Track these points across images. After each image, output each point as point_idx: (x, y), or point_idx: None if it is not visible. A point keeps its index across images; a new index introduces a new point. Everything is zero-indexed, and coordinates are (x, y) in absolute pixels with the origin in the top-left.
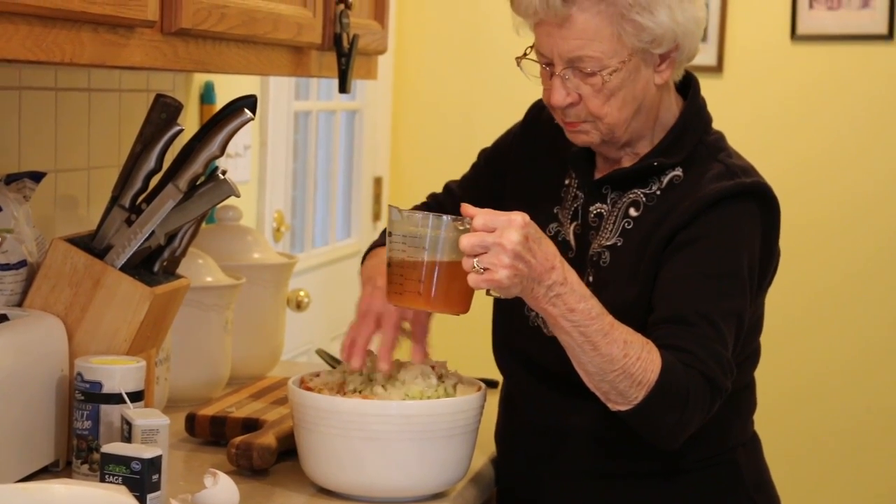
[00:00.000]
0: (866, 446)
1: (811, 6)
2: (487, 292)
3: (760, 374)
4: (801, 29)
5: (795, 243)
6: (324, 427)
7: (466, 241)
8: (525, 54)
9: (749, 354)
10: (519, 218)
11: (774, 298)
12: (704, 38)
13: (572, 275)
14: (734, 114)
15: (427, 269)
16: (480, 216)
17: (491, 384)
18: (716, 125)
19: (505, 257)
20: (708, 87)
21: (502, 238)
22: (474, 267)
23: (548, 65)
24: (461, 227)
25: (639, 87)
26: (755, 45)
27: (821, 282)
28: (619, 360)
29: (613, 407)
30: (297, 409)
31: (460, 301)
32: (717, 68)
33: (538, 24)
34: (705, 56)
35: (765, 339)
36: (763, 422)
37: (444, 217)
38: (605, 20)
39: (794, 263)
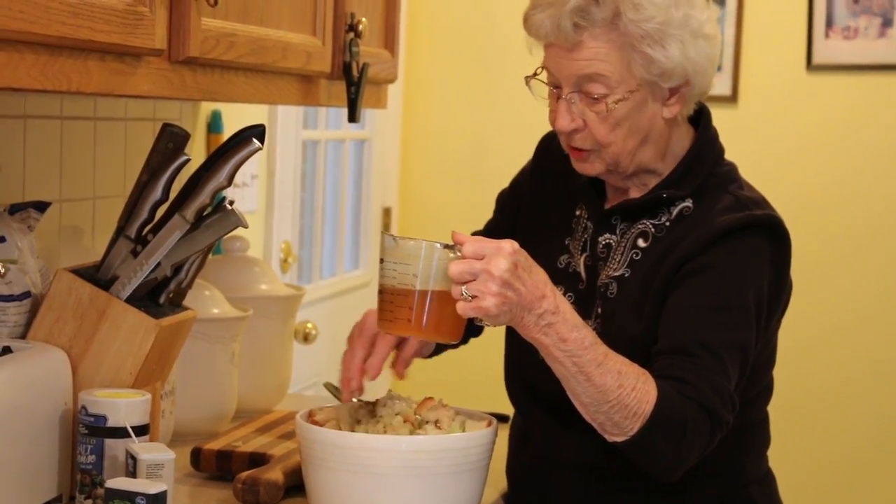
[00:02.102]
0: (884, 482)
1: (827, 35)
2: (477, 321)
3: (774, 407)
4: (818, 59)
5: (810, 275)
6: (332, 462)
7: (455, 268)
8: (535, 73)
9: (762, 389)
10: (508, 245)
11: (787, 331)
12: (719, 68)
13: (564, 304)
14: (749, 145)
15: (418, 296)
16: (470, 243)
17: (502, 419)
18: (730, 156)
19: (493, 285)
20: (722, 118)
21: (490, 265)
22: (462, 294)
23: (555, 87)
24: (452, 255)
25: (645, 119)
26: (770, 75)
27: (835, 313)
28: (613, 391)
29: (609, 438)
30: (305, 444)
31: (452, 329)
32: (732, 98)
33: (548, 46)
34: (720, 86)
35: (778, 372)
36: (778, 457)
37: (436, 244)
38: (616, 48)
39: (808, 295)
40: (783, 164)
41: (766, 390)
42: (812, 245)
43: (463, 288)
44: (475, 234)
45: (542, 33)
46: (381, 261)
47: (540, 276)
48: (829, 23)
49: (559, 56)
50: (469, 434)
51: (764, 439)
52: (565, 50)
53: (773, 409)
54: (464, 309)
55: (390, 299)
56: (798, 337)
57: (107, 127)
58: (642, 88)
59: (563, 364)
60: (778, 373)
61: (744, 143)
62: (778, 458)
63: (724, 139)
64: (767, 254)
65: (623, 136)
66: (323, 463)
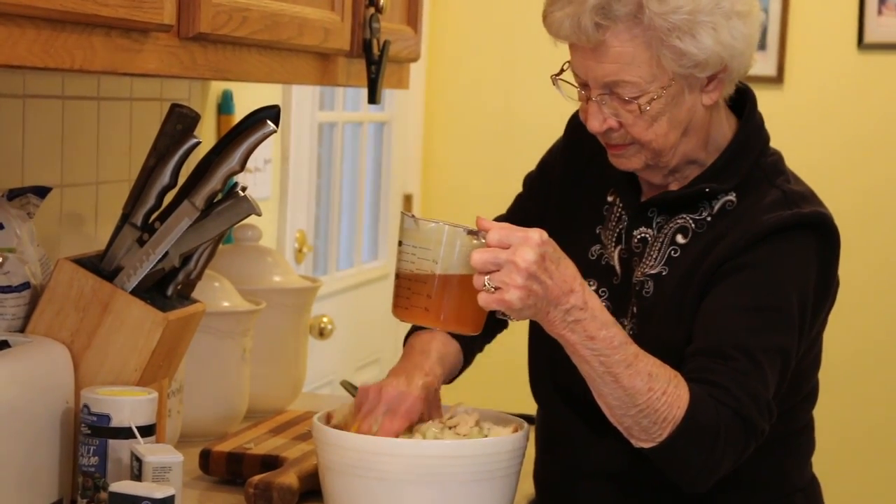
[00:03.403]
0: None
1: (880, 12)
2: (499, 314)
3: (819, 412)
4: (869, 37)
5: (861, 271)
6: (349, 468)
7: (478, 256)
8: (562, 70)
9: (807, 394)
10: (536, 235)
11: (836, 332)
12: (763, 47)
13: (594, 300)
14: (795, 129)
15: (438, 283)
16: (496, 231)
17: (532, 420)
18: (775, 141)
19: (518, 276)
20: (767, 100)
21: (516, 256)
22: (485, 285)
23: (583, 87)
24: (476, 242)
25: (684, 110)
26: (819, 53)
27: (888, 314)
28: (642, 395)
29: (636, 444)
30: (324, 449)
31: (471, 320)
32: (778, 79)
33: (572, 45)
34: (764, 66)
35: (823, 376)
36: (823, 464)
37: (460, 229)
38: (642, 45)
39: (860, 293)
40: (831, 150)
41: (811, 394)
42: (864, 239)
43: (486, 278)
44: (500, 218)
45: (563, 33)
46: (400, 243)
47: (569, 269)
48: None
49: (584, 58)
50: (489, 440)
51: (808, 446)
52: (589, 51)
53: (819, 414)
54: (486, 301)
55: (407, 285)
56: (849, 341)
57: (111, 107)
58: (676, 82)
59: (589, 363)
60: (827, 378)
61: (790, 127)
62: (824, 464)
63: (768, 123)
64: (815, 254)
65: (664, 130)
66: (341, 468)
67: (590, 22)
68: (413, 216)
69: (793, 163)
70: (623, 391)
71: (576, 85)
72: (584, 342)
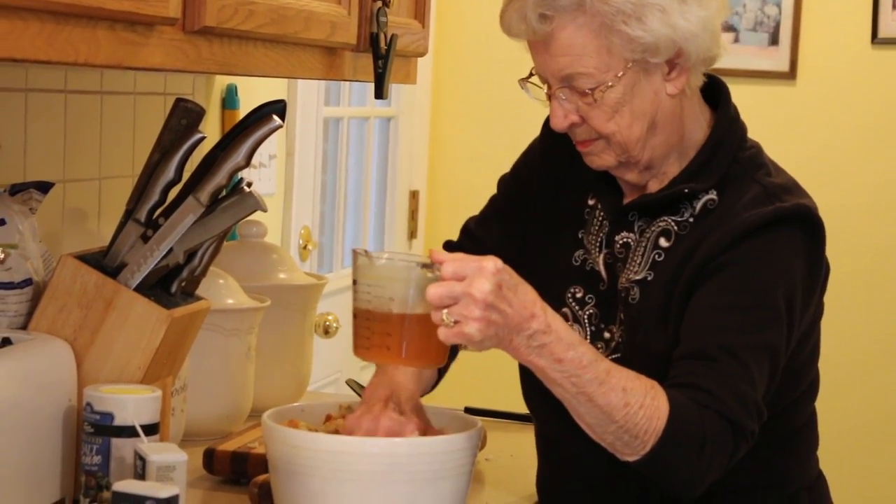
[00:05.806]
0: None
1: (895, 7)
2: (461, 347)
3: (823, 405)
4: (884, 31)
5: (873, 264)
6: (301, 467)
7: (433, 291)
8: (531, 74)
9: (806, 387)
10: (490, 264)
11: (847, 323)
12: (776, 42)
13: (557, 321)
14: (808, 125)
15: (396, 321)
16: (449, 263)
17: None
18: (787, 137)
19: (475, 308)
20: (779, 96)
21: (471, 287)
22: (443, 320)
23: (546, 85)
24: (431, 276)
25: (647, 100)
26: (832, 49)
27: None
28: (619, 410)
29: (622, 457)
30: (273, 446)
31: (434, 354)
32: (790, 75)
33: (529, 44)
34: (777, 61)
35: (826, 368)
36: (829, 459)
37: (414, 264)
38: (590, 33)
39: (871, 286)
40: (844, 145)
41: (811, 387)
42: (877, 233)
43: (443, 313)
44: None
45: (514, 31)
46: (354, 282)
47: (528, 294)
48: None
49: (538, 54)
50: (438, 439)
51: (811, 442)
52: (542, 46)
53: (823, 407)
54: (445, 335)
55: (366, 325)
56: (851, 332)
57: (114, 101)
58: (632, 69)
59: (562, 386)
60: (832, 370)
61: (802, 123)
62: (831, 458)
63: (781, 119)
64: (799, 247)
65: (626, 122)
66: (291, 466)
67: (534, 14)
68: (366, 252)
69: (805, 158)
70: (599, 409)
71: (541, 86)
72: (552, 365)
